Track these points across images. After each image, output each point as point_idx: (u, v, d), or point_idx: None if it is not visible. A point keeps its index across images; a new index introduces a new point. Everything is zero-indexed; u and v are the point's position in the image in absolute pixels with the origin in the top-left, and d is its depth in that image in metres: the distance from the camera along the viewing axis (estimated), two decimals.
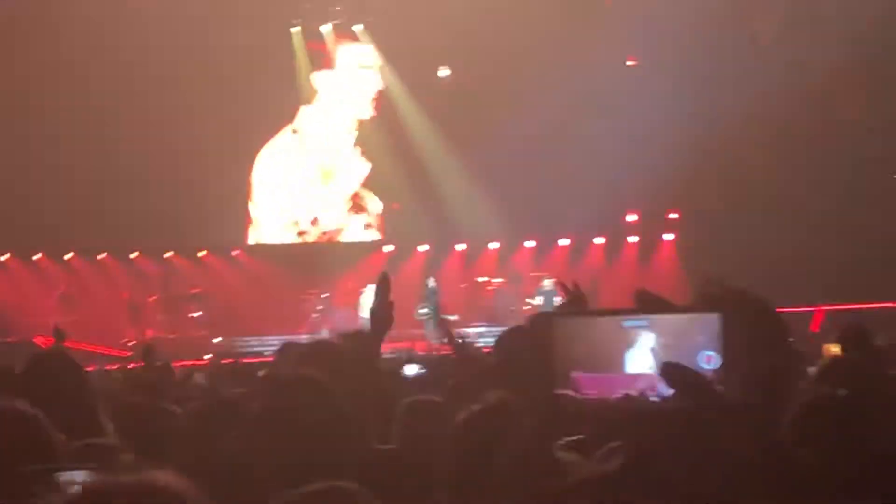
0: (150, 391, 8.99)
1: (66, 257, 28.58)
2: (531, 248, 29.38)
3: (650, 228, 29.05)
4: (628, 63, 28.39)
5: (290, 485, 2.95)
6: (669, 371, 2.72)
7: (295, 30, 29.17)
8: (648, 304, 3.15)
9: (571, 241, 29.18)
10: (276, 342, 21.62)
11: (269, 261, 28.41)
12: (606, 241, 29.15)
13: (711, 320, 2.98)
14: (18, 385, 4.60)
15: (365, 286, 27.38)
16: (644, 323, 2.98)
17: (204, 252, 29.12)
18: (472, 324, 26.27)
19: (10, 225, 27.05)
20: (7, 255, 28.23)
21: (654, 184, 26.21)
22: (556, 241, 29.21)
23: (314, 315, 27.28)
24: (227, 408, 6.55)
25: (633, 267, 28.60)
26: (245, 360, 18.15)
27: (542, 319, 3.00)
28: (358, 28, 29.51)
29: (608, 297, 26.15)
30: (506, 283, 28.12)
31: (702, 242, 26.38)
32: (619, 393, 2.86)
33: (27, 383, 4.63)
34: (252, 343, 24.53)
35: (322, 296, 27.57)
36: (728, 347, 2.92)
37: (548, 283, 26.78)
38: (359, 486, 2.93)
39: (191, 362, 17.48)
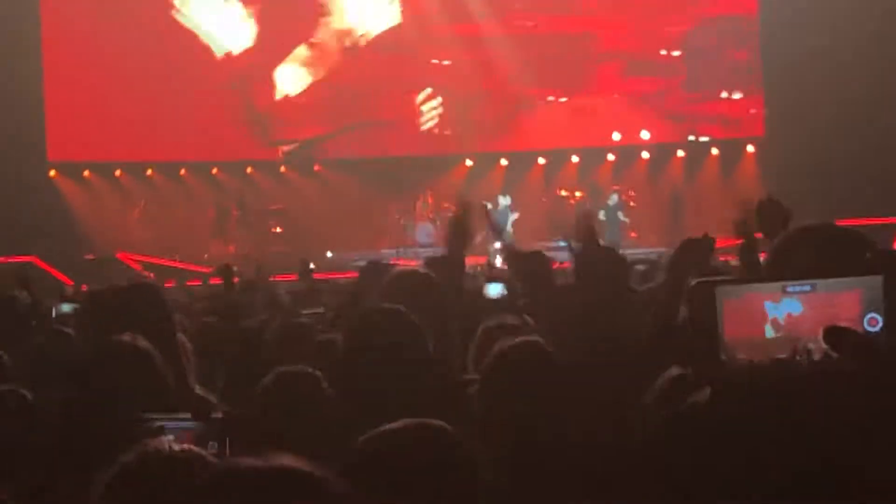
0: (231, 311, 9.02)
1: (147, 173, 28.70)
2: (611, 162, 29.08)
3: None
4: None
5: (376, 420, 2.87)
6: (835, 334, 2.64)
7: None
8: (812, 268, 3.01)
9: (650, 154, 28.90)
10: (359, 258, 21.74)
11: (350, 175, 28.33)
12: (686, 154, 28.77)
13: (875, 283, 2.85)
14: (111, 318, 4.54)
15: (445, 201, 27.48)
16: (807, 287, 2.85)
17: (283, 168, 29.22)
18: (554, 239, 26.15)
19: (90, 137, 27.43)
20: (87, 171, 28.37)
21: None
22: (638, 155, 28.95)
23: (396, 230, 27.35)
24: (305, 330, 6.53)
25: (715, 180, 28.22)
26: (327, 276, 18.31)
27: (703, 291, 2.84)
28: None
29: (690, 212, 26.04)
30: (586, 197, 27.89)
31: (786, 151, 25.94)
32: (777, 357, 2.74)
33: (117, 319, 4.57)
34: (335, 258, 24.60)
35: (404, 211, 27.59)
36: (892, 310, 2.81)
37: (613, 198, 26.63)
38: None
39: (274, 277, 17.46)
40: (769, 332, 2.77)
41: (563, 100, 29.53)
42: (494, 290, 8.94)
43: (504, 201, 26.35)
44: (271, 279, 15.79)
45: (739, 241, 5.57)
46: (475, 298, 8.17)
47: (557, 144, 29.11)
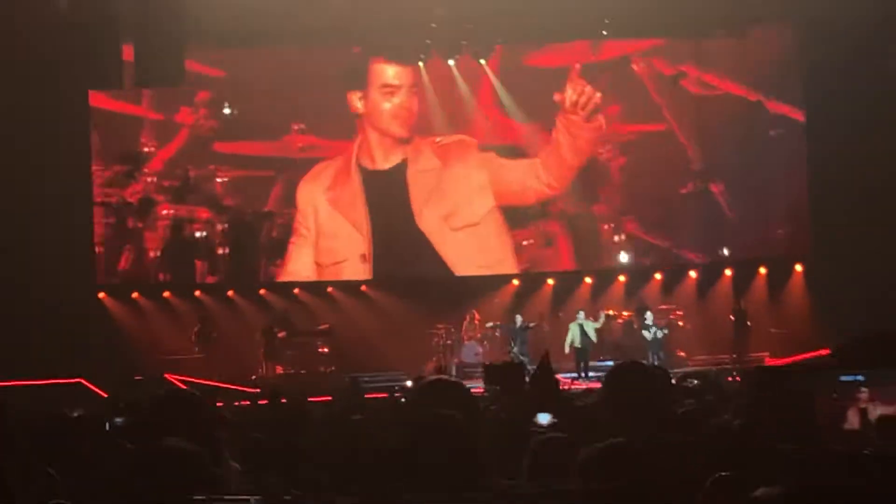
0: (277, 428, 9.03)
1: (195, 294, 28.86)
2: (659, 281, 29.04)
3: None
4: None
5: None
6: (888, 424, 2.62)
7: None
8: (861, 356, 2.99)
9: (697, 273, 28.85)
10: (404, 377, 21.66)
11: (396, 295, 28.38)
12: (734, 273, 28.65)
13: None
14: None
15: (490, 321, 27.52)
16: (860, 378, 2.82)
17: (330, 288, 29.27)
18: (601, 358, 26.07)
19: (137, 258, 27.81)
20: (135, 292, 28.57)
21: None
22: (686, 272, 28.90)
23: (443, 349, 27.33)
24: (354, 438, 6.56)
25: (764, 297, 28.09)
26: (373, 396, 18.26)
27: (802, 392, 2.85)
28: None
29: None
30: (633, 316, 27.79)
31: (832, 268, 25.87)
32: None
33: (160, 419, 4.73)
34: (380, 378, 24.50)
35: (450, 330, 27.58)
36: None
37: (649, 316, 26.59)
38: None
39: (320, 398, 17.45)
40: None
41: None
42: (544, 418, 8.99)
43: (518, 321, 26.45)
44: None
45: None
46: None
47: (605, 263, 29.22)
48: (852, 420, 2.64)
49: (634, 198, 29.35)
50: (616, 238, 29.65)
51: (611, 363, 25.03)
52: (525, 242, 29.57)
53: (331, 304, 28.99)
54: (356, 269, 29.08)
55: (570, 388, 16.22)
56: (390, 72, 28.91)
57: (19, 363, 22.99)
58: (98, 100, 28.51)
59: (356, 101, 28.77)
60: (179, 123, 29.19)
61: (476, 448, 4.27)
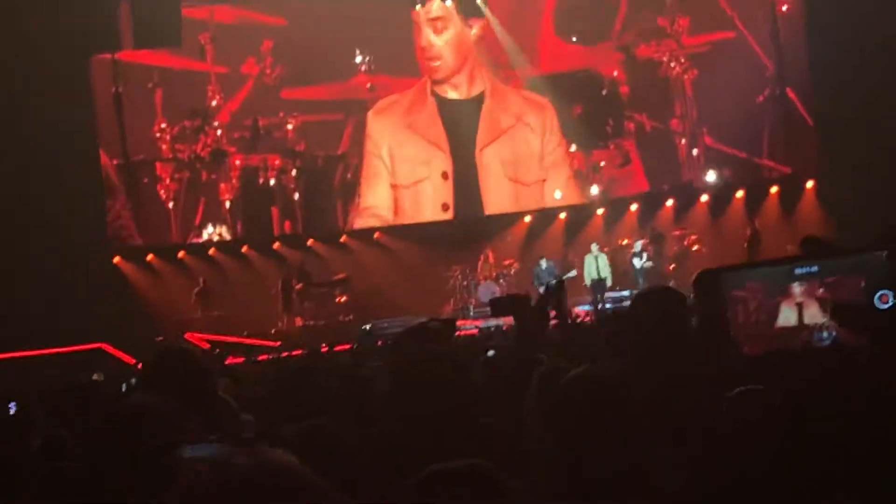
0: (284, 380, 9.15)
1: (209, 252, 28.99)
2: (671, 206, 28.97)
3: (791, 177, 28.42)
4: None
5: (422, 461, 2.86)
6: (842, 311, 2.63)
7: None
8: (818, 249, 3.01)
9: (709, 197, 28.77)
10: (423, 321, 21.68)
11: (409, 240, 28.43)
12: (745, 194, 28.57)
13: (881, 260, 2.83)
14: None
15: (507, 259, 27.55)
16: (815, 269, 2.83)
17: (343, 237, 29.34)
18: (617, 289, 26.13)
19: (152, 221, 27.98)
20: (150, 255, 28.72)
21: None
22: (697, 198, 28.84)
23: (460, 291, 27.39)
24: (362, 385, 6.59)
25: (777, 217, 28.04)
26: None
27: (708, 278, 2.83)
28: None
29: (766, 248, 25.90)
30: (648, 244, 27.76)
31: (844, 185, 25.73)
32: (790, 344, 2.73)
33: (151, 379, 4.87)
34: (396, 323, 24.61)
35: (465, 272, 27.60)
36: None
37: (637, 245, 26.62)
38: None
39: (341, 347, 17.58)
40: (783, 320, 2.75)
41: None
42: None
43: (545, 264, 26.35)
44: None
45: None
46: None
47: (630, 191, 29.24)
48: (788, 317, 2.64)
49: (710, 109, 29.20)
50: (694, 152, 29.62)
51: (626, 293, 25.24)
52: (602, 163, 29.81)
53: (347, 253, 29.03)
54: (438, 187, 29.25)
55: (583, 320, 16.17)
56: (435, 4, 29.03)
57: (46, 333, 23.16)
58: (160, 58, 28.87)
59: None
60: (245, 74, 29.46)
61: (465, 387, 4.27)
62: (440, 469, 2.72)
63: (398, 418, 4.07)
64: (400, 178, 29.17)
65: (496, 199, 29.17)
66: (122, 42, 27.43)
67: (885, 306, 2.80)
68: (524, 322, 6.75)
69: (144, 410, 3.79)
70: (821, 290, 2.82)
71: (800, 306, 2.81)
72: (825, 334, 2.70)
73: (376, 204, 29.25)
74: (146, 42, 27.77)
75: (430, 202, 29.15)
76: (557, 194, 29.12)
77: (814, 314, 2.75)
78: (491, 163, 29.08)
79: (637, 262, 26.46)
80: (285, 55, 29.10)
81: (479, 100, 29.30)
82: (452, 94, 29.33)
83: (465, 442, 3.75)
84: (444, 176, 29.00)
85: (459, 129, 28.94)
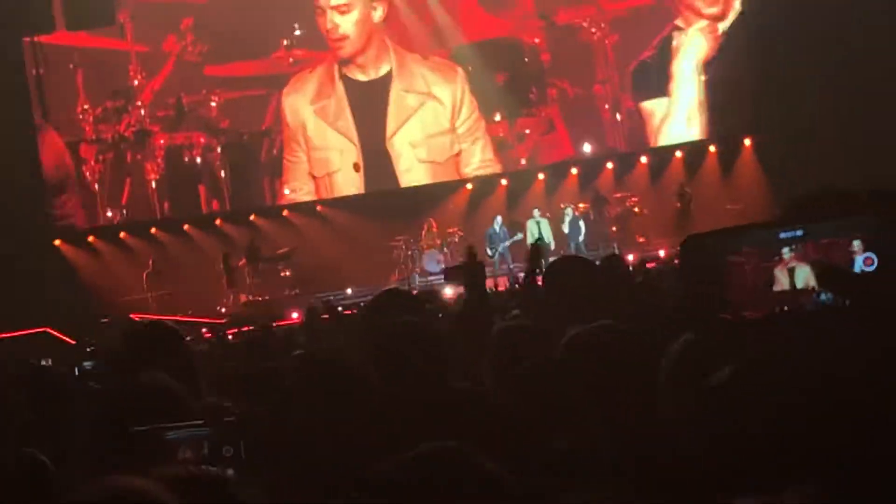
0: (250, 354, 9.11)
1: (151, 231, 28.80)
2: (611, 169, 29.05)
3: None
4: None
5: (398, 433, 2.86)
6: (825, 272, 2.66)
7: None
8: (803, 211, 3.04)
9: (648, 158, 28.90)
10: (370, 293, 21.72)
11: (352, 212, 28.37)
12: (684, 154, 28.73)
13: (870, 223, 2.87)
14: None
15: (450, 226, 27.57)
16: (800, 233, 2.87)
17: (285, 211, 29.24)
18: (561, 252, 26.24)
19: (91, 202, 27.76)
20: (91, 236, 28.49)
21: None
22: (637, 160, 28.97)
23: (405, 261, 27.38)
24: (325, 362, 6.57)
25: (717, 177, 28.26)
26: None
27: (693, 243, 2.85)
28: None
29: (699, 210, 26.07)
30: (589, 207, 27.88)
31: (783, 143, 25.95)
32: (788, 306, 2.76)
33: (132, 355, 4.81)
34: (343, 296, 24.63)
35: (409, 241, 27.58)
36: (886, 249, 2.82)
37: (569, 212, 26.82)
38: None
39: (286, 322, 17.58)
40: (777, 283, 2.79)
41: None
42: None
43: (499, 222, 26.53)
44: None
45: None
46: None
47: (555, 158, 29.30)
48: (781, 280, 2.67)
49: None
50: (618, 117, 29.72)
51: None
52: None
53: (288, 227, 28.94)
54: (349, 178, 29.18)
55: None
56: None
57: None
58: (79, 39, 28.57)
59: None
60: (167, 52, 29.19)
61: (433, 348, 4.29)
62: (410, 455, 2.63)
63: (376, 393, 4.09)
64: (315, 168, 29.23)
65: (412, 182, 29.28)
66: (56, 23, 27.18)
67: (870, 269, 2.84)
68: (479, 287, 6.82)
69: (162, 390, 3.79)
70: (812, 254, 2.85)
71: (791, 271, 2.85)
72: (823, 297, 2.73)
73: (300, 189, 29.32)
74: (79, 23, 27.54)
75: (345, 191, 29.23)
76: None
77: (806, 278, 2.79)
78: (402, 148, 29.10)
79: (564, 227, 26.64)
80: (206, 32, 28.89)
81: (386, 80, 29.15)
82: (360, 76, 29.13)
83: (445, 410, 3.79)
84: (356, 167, 29.04)
85: (368, 116, 28.87)
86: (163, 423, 3.42)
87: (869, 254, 2.82)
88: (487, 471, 2.56)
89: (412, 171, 29.17)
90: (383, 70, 29.14)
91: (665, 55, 28.67)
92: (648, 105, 28.96)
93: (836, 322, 2.61)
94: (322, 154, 29.12)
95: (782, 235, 2.86)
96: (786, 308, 2.72)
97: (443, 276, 21.70)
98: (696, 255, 2.88)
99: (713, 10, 28.45)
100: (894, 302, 2.68)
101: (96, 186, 28.93)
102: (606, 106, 29.54)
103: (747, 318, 2.81)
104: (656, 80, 28.68)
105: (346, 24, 28.69)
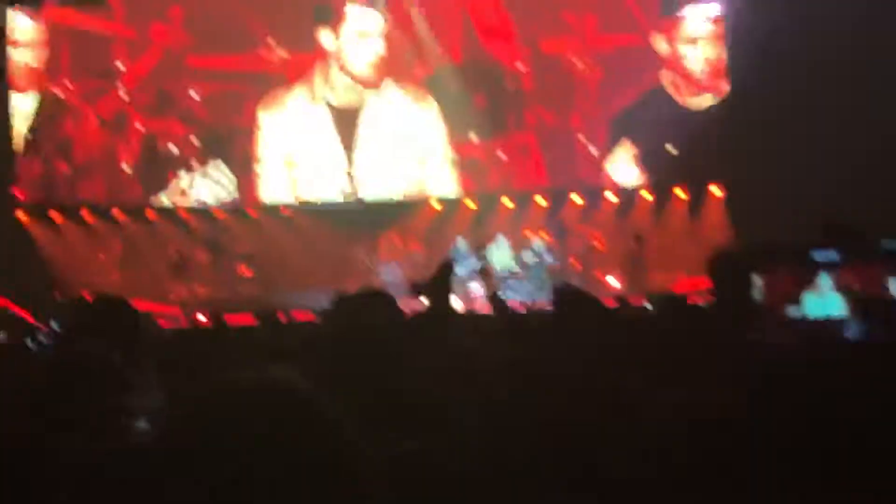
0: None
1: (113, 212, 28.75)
2: (579, 203, 29.04)
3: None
4: None
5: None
6: (862, 303, 2.65)
7: None
8: (840, 234, 3.06)
9: (618, 197, 28.94)
10: (326, 297, 21.65)
11: (318, 217, 28.38)
12: (655, 198, 28.78)
13: None
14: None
15: (413, 244, 27.61)
16: (835, 256, 2.88)
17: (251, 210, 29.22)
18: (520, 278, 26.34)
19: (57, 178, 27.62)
20: (54, 212, 28.41)
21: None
22: (602, 196, 29.00)
23: (363, 271, 27.40)
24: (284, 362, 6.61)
25: (683, 222, 28.28)
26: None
27: (727, 261, 2.88)
28: None
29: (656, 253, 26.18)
30: (554, 240, 27.92)
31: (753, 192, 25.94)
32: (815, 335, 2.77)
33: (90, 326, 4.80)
34: (304, 298, 24.61)
35: (368, 251, 27.63)
36: None
37: (537, 243, 26.96)
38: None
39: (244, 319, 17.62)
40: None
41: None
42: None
43: (462, 243, 26.61)
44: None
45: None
46: None
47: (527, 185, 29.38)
48: (814, 306, 2.68)
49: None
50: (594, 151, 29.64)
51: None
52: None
53: (252, 225, 28.94)
54: (318, 187, 29.23)
55: None
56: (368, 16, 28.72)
57: None
58: (66, 16, 28.57)
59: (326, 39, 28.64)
60: (152, 39, 29.15)
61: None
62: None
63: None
64: (286, 173, 29.26)
65: (378, 196, 29.30)
66: None
67: None
68: (443, 304, 6.83)
69: (97, 364, 3.72)
70: (845, 280, 2.90)
71: (821, 296, 2.88)
72: (853, 327, 2.77)
73: (269, 190, 29.51)
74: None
75: (313, 198, 29.31)
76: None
77: (838, 305, 2.84)
78: (371, 163, 29.13)
79: (528, 256, 26.72)
80: (193, 23, 28.93)
81: (362, 98, 29.18)
82: (337, 93, 29.14)
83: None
84: (325, 178, 29.09)
85: (341, 130, 28.95)
86: (97, 394, 3.40)
87: None
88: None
89: (380, 185, 29.18)
90: (360, 88, 29.13)
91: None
92: (622, 149, 29.04)
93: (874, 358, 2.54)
94: (292, 161, 29.13)
95: (818, 258, 2.86)
96: (816, 337, 2.73)
97: (403, 289, 21.65)
98: (725, 274, 2.88)
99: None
100: None
101: (66, 164, 28.78)
102: (582, 138, 29.50)
103: (776, 346, 2.79)
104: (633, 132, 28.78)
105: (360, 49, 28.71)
